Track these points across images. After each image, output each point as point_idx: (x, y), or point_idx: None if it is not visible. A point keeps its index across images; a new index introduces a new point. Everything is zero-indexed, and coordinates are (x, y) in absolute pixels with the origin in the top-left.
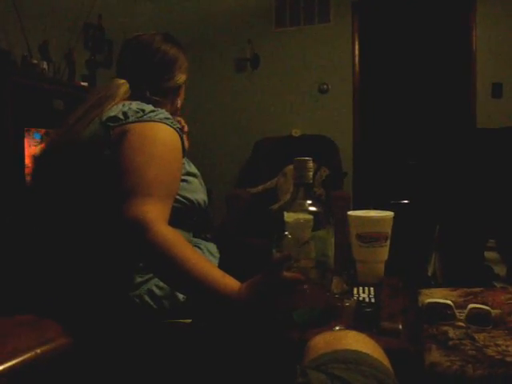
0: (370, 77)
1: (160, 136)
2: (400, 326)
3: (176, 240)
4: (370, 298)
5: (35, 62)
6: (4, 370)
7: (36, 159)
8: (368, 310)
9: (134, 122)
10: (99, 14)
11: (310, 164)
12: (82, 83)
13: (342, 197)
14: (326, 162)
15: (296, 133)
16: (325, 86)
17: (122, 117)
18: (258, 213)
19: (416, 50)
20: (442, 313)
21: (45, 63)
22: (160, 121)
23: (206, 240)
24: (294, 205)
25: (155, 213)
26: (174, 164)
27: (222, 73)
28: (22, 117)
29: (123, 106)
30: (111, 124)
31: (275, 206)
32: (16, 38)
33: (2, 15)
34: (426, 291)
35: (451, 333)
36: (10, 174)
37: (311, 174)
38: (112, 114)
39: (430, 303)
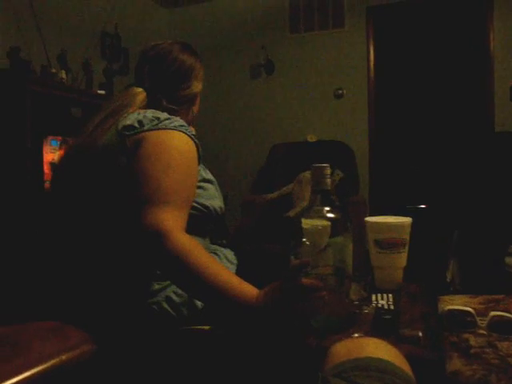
0: (385, 81)
1: (175, 144)
2: (420, 333)
3: (193, 248)
4: (388, 305)
5: (54, 71)
6: (31, 375)
7: (55, 167)
8: (387, 316)
9: (150, 130)
10: (116, 24)
11: (328, 171)
12: (99, 91)
13: (359, 202)
14: (342, 167)
15: (311, 138)
16: (340, 91)
17: (137, 125)
18: (273, 219)
19: (432, 54)
20: (462, 320)
21: (63, 72)
22: (175, 128)
23: (223, 246)
24: (312, 211)
25: (172, 221)
26: (190, 171)
27: (236, 79)
28: (40, 124)
29: (138, 114)
30: (127, 133)
31: (291, 213)
32: (36, 48)
33: (23, 27)
34: (445, 298)
35: (472, 341)
36: (30, 180)
37: (329, 180)
38: (127, 122)
39: (449, 310)
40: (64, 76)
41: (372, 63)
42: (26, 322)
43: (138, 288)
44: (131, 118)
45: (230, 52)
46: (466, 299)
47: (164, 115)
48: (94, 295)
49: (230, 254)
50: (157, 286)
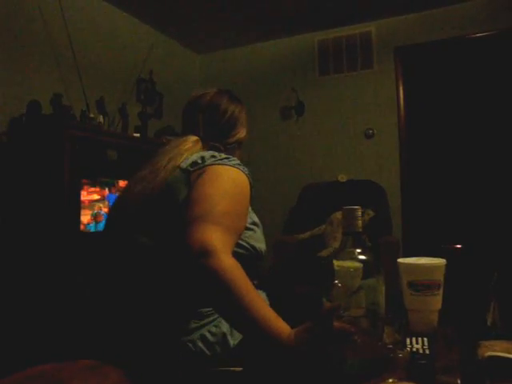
0: (415, 120)
1: (233, 176)
2: (458, 381)
3: (238, 272)
4: (423, 349)
5: (92, 116)
6: None
7: (112, 207)
8: (422, 361)
9: (211, 164)
10: (151, 69)
11: (359, 212)
12: (135, 134)
13: (391, 242)
14: (374, 206)
15: (342, 178)
16: (370, 131)
17: (199, 161)
18: (305, 259)
19: (461, 92)
20: (505, 368)
21: (101, 117)
22: (233, 166)
23: (255, 287)
24: (343, 253)
25: (221, 242)
26: (243, 202)
27: (267, 121)
28: (78, 166)
29: (199, 153)
30: (191, 169)
31: (323, 252)
32: (76, 95)
33: (65, 75)
34: (485, 343)
35: None
36: (67, 217)
37: (360, 222)
38: (190, 160)
39: (491, 357)
40: (101, 120)
41: (402, 102)
42: (64, 360)
43: (175, 326)
44: (194, 157)
45: (261, 94)
46: (508, 345)
47: (222, 155)
48: (132, 333)
49: (262, 295)
50: (193, 325)
